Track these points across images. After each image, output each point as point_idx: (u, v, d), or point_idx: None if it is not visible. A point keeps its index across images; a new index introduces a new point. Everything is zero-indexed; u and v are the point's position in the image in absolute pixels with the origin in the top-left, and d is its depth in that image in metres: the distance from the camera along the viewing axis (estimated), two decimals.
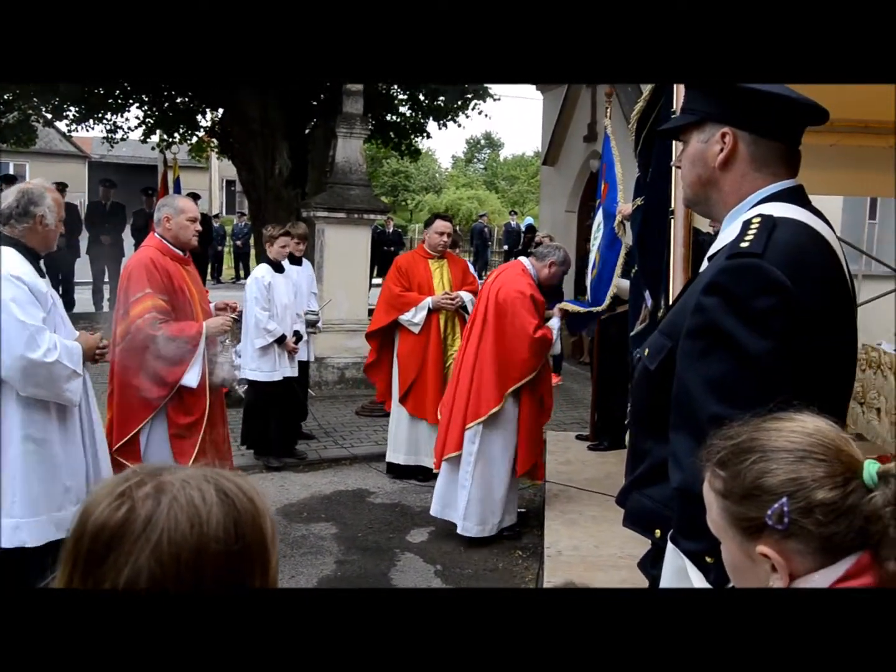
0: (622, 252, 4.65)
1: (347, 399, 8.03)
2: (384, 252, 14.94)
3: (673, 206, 2.76)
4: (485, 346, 4.44)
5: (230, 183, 32.66)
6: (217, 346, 4.00)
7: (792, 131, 1.61)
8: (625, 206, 4.54)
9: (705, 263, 1.68)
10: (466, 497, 4.53)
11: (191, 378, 3.73)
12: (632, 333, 3.78)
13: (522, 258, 4.67)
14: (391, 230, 15.46)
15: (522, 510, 5.06)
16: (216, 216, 19.60)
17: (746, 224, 1.53)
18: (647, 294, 3.52)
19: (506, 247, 19.11)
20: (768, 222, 1.50)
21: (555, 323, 4.60)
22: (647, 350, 1.69)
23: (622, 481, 5.86)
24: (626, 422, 4.18)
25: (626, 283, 4.94)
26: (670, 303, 2.70)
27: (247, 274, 19.81)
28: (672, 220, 2.75)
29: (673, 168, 2.80)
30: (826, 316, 1.43)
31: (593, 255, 5.07)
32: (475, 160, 49.97)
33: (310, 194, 9.91)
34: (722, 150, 1.63)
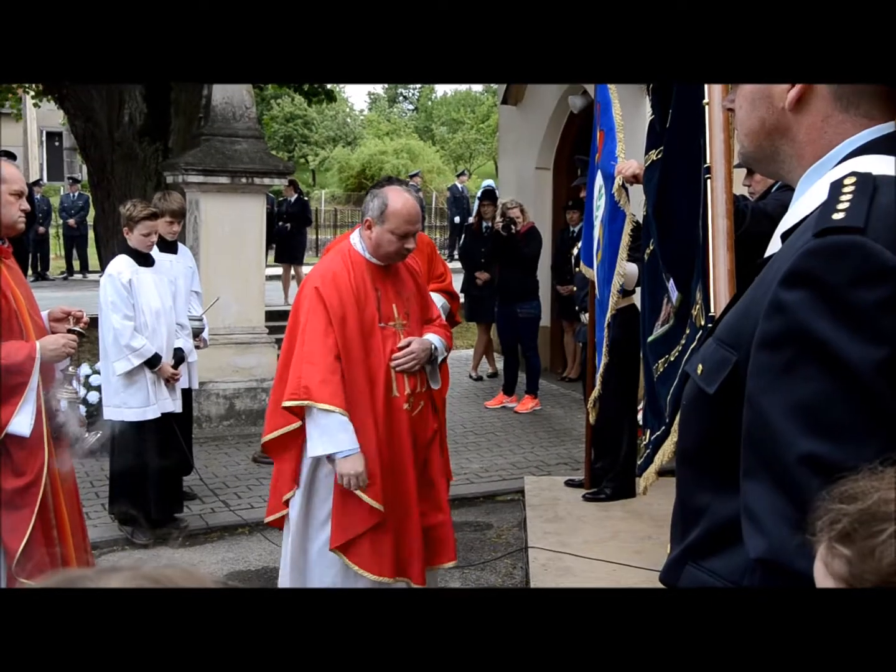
0: (626, 227, 4.69)
1: (240, 440, 7.94)
2: (282, 230, 14.81)
3: (709, 161, 2.79)
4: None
5: (53, 136, 32.09)
6: (55, 374, 3.90)
7: None
8: (626, 163, 4.58)
9: (776, 242, 1.69)
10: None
11: (21, 423, 3.63)
12: (650, 338, 3.81)
13: (353, 234, 4.16)
14: (293, 199, 15.29)
15: None
16: (37, 183, 19.16)
17: (837, 186, 1.53)
18: (670, 284, 3.55)
19: (457, 219, 19.14)
20: (866, 183, 1.51)
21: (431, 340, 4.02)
22: (699, 366, 1.68)
23: (635, 544, 5.85)
24: (639, 463, 4.21)
25: (633, 269, 5.00)
26: (712, 295, 2.73)
27: (83, 267, 19.60)
28: (708, 182, 2.78)
29: (706, 109, 2.84)
30: None
31: (597, 232, 5.10)
32: (401, 98, 50.16)
33: (175, 150, 9.78)
34: (794, 84, 1.64)
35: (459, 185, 21.01)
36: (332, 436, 3.71)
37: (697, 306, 3.16)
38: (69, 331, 3.84)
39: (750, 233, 3.34)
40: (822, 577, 1.06)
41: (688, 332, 3.40)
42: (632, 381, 6.13)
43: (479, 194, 13.58)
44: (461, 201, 19.88)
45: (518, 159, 11.53)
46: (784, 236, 1.65)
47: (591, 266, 5.51)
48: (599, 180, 5.10)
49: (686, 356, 3.29)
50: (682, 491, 1.82)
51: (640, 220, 4.54)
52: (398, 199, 3.85)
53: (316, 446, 3.75)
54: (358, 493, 3.76)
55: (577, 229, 8.70)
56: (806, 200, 1.62)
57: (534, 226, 9.34)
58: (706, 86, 2.84)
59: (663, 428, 3.54)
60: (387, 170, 34.92)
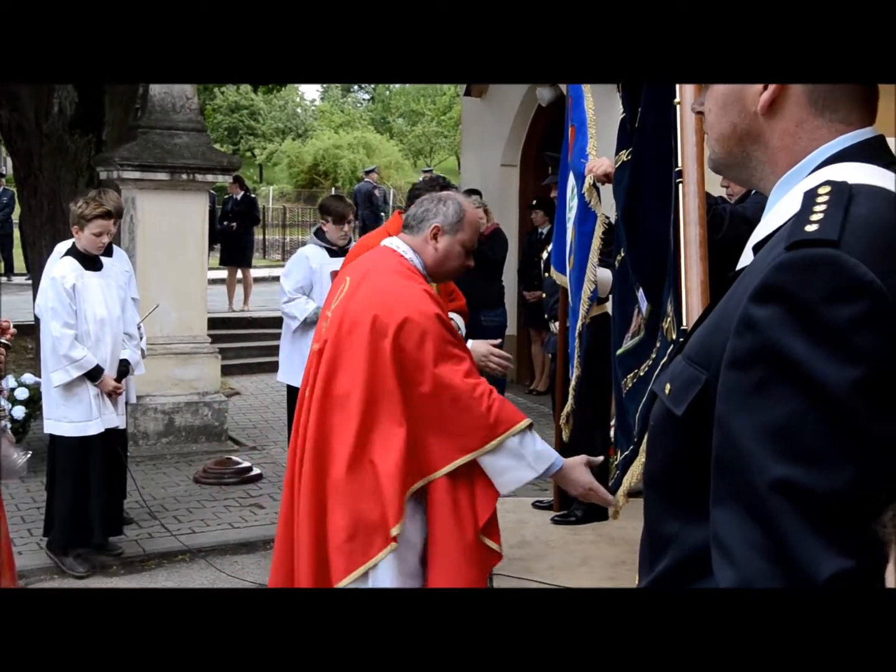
0: (597, 230, 4.72)
1: (179, 459, 7.92)
2: (227, 230, 14.71)
3: (680, 164, 2.82)
4: (365, 417, 3.33)
5: None
6: None
7: None
8: (596, 161, 4.63)
9: (748, 254, 1.72)
10: None
11: None
12: (619, 351, 3.84)
13: (390, 240, 3.68)
14: (240, 196, 15.19)
15: None
16: None
17: (810, 196, 1.56)
18: (640, 294, 3.58)
19: None
20: (842, 193, 1.54)
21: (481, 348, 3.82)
22: (667, 386, 1.70)
23: (607, 570, 5.84)
24: (609, 482, 4.24)
25: (606, 274, 5.02)
26: (684, 308, 2.76)
27: (8, 269, 19.35)
28: (680, 186, 2.81)
29: (678, 109, 2.87)
30: None
31: (569, 235, 5.13)
32: (355, 88, 50.12)
33: (109, 144, 9.71)
34: (766, 87, 1.67)
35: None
36: (537, 453, 3.38)
37: (668, 319, 3.18)
38: None
39: (728, 238, 3.37)
40: None
41: (658, 345, 3.42)
42: (604, 394, 6.15)
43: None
44: None
45: (482, 155, 11.57)
46: (756, 248, 1.67)
47: (563, 272, 5.52)
48: (571, 179, 5.13)
49: (657, 371, 3.31)
50: (649, 517, 1.83)
51: (613, 222, 4.57)
52: (470, 206, 3.66)
53: (521, 474, 3.41)
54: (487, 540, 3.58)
55: (545, 231, 8.71)
56: (779, 210, 1.65)
57: (499, 227, 9.33)
58: (677, 84, 2.87)
59: (631, 448, 3.56)
60: (343, 166, 34.85)
